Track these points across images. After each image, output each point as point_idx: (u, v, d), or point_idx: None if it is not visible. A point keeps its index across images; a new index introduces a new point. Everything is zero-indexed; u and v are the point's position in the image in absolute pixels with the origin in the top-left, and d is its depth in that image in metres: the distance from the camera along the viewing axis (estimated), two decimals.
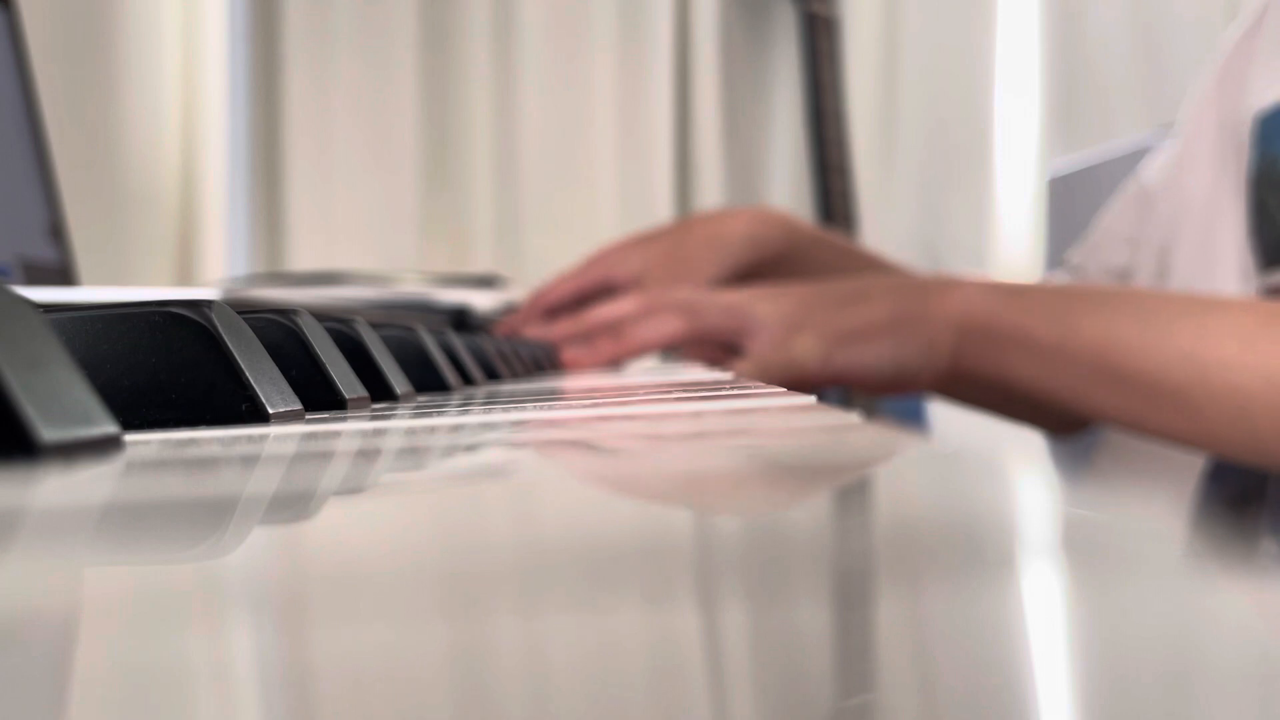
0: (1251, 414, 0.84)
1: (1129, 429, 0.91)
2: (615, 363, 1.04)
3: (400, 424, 0.39)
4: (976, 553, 0.16)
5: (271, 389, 0.38)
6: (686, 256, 1.12)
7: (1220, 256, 1.03)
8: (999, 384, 0.92)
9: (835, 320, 0.95)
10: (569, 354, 1.03)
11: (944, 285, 0.95)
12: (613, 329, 1.02)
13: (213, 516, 0.22)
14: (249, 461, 0.29)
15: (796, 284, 1.01)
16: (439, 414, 0.44)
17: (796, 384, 0.96)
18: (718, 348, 1.00)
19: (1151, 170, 1.11)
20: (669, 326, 1.00)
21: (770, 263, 1.14)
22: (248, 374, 0.37)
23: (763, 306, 0.97)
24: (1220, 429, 0.85)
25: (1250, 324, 0.85)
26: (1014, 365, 0.90)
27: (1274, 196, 1.00)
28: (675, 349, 1.03)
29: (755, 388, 0.54)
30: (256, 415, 0.37)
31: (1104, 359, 0.87)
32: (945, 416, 1.49)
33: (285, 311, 0.45)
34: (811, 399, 0.42)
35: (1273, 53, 1.02)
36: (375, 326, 0.54)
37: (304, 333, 0.44)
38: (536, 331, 1.09)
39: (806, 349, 0.95)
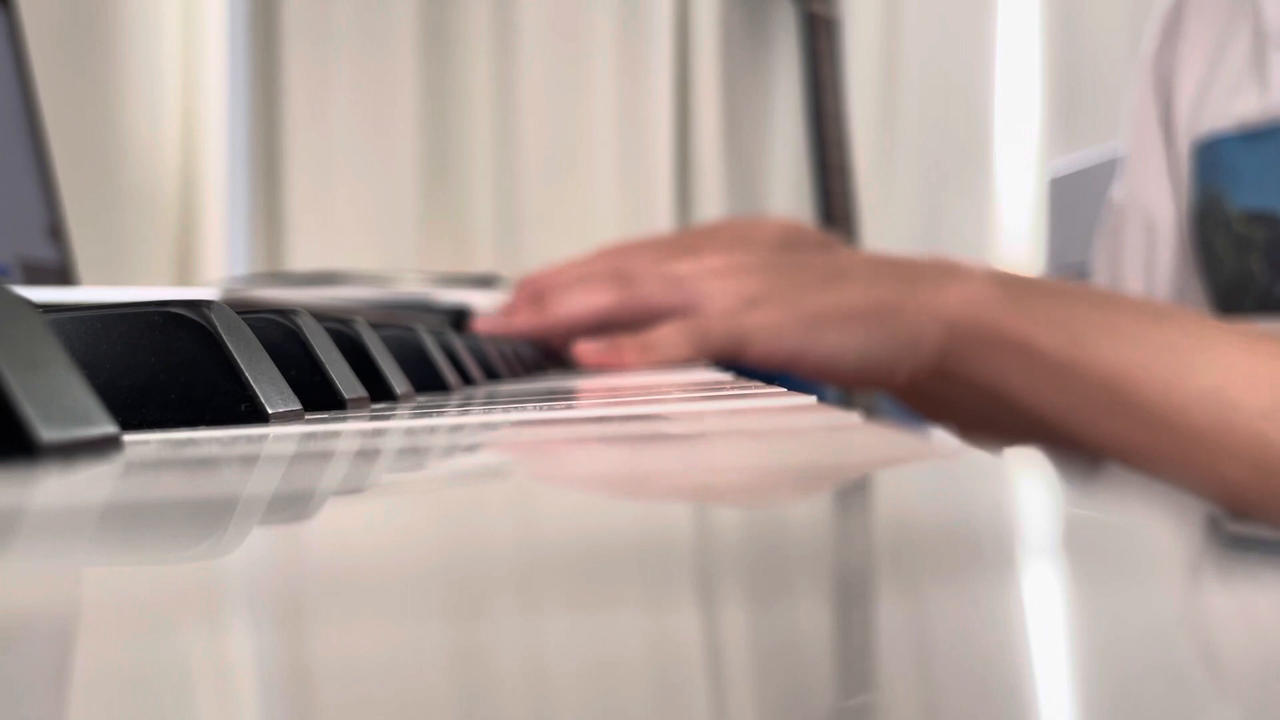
0: (1277, 471, 0.74)
1: (1134, 466, 0.80)
2: (535, 337, 0.89)
3: (399, 424, 0.39)
4: (977, 553, 0.16)
5: (271, 389, 0.38)
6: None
7: (1158, 285, 0.96)
8: (991, 395, 0.81)
9: (805, 300, 0.81)
10: (480, 322, 0.90)
11: (941, 273, 0.82)
12: (537, 299, 0.88)
13: (212, 516, 0.22)
14: (248, 462, 0.29)
15: (767, 258, 0.86)
16: (438, 414, 0.44)
17: (735, 362, 0.81)
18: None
19: (1114, 190, 1.05)
20: (598, 298, 0.85)
21: None
22: (247, 374, 0.37)
23: (716, 284, 0.83)
24: (1239, 481, 0.75)
25: None
26: (1012, 377, 0.79)
27: (1220, 236, 0.92)
28: (607, 325, 0.86)
29: (756, 388, 0.54)
30: (256, 415, 0.37)
31: (1117, 386, 0.77)
32: None
33: (285, 311, 0.45)
34: (812, 399, 0.42)
35: (1201, 66, 0.97)
36: (375, 326, 0.54)
37: (303, 333, 0.44)
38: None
39: (762, 324, 0.80)
